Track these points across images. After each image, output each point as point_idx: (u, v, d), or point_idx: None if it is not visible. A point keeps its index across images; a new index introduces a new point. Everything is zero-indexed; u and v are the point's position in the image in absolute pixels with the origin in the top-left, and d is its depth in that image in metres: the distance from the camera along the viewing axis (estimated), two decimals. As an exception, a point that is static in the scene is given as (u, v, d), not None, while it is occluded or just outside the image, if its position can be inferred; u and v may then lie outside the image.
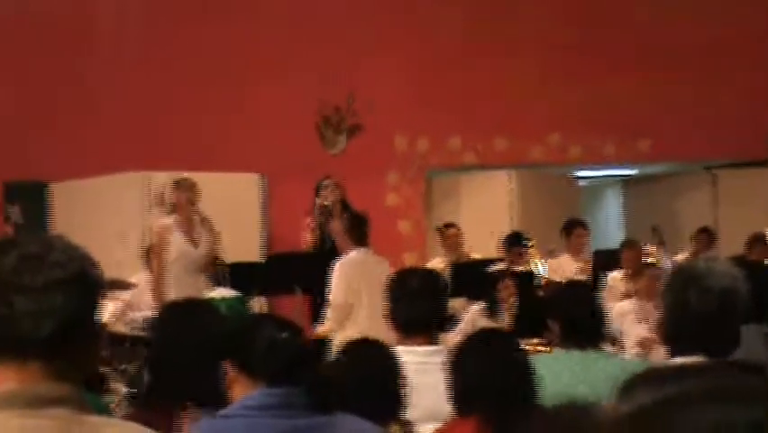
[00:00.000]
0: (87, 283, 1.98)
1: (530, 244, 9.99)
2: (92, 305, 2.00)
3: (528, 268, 9.75)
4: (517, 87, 12.68)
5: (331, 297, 8.30)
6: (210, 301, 4.55)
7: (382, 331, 7.06)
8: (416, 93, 12.50)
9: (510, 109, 12.67)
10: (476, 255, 10.81)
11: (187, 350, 3.53)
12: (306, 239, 9.96)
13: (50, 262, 1.93)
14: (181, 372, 3.51)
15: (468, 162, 12.85)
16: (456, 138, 12.78)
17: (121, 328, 9.28)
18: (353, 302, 8.27)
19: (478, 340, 3.76)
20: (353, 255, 8.46)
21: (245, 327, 3.38)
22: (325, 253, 9.72)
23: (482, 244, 10.91)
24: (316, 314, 9.73)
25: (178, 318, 3.77)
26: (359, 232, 8.65)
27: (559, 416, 1.09)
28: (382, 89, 12.44)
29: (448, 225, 11.26)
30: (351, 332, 7.69)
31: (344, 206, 10.04)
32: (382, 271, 8.53)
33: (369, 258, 8.57)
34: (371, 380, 3.70)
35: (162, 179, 10.27)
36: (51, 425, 1.87)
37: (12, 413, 1.87)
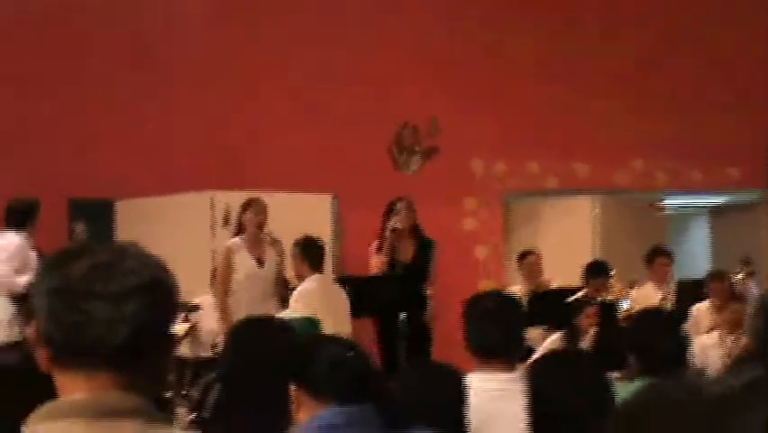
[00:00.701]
0: (162, 291, 2.00)
1: (612, 273, 9.94)
2: (167, 314, 2.02)
3: (611, 298, 9.69)
4: (601, 110, 12.63)
5: None
6: (284, 320, 4.58)
7: None
8: (494, 115, 12.50)
9: (593, 132, 12.63)
10: (555, 284, 10.77)
11: (261, 368, 3.56)
12: (373, 263, 9.97)
13: (123, 270, 1.95)
14: (253, 390, 3.54)
15: (548, 187, 12.82)
16: (536, 162, 12.75)
17: (185, 352, 9.36)
18: None
19: (556, 361, 3.75)
20: (312, 284, 8.47)
21: (308, 348, 3.40)
22: (396, 278, 9.74)
23: (562, 271, 10.85)
24: (385, 339, 9.76)
25: (254, 335, 3.80)
26: (315, 257, 8.67)
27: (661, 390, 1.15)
28: (459, 111, 12.46)
29: (526, 253, 11.23)
30: None
31: (415, 229, 10.03)
32: (342, 298, 8.53)
33: (327, 284, 8.57)
34: (438, 404, 3.71)
35: (230, 199, 10.37)
36: (120, 437, 1.88)
37: (80, 423, 1.89)
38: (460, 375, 3.95)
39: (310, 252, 8.71)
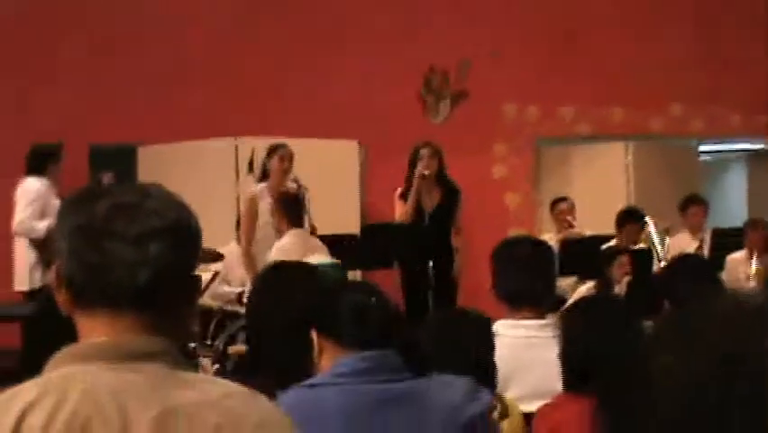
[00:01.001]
0: (185, 232, 1.99)
1: (647, 220, 9.90)
2: (190, 256, 2.02)
3: (645, 246, 9.66)
4: (636, 53, 12.54)
5: None
6: (314, 266, 4.58)
7: None
8: (525, 58, 12.43)
9: (628, 76, 12.54)
10: (588, 232, 10.75)
11: (286, 313, 3.56)
12: (397, 210, 9.95)
13: (146, 210, 1.95)
14: (278, 335, 3.55)
15: (581, 132, 12.76)
16: (569, 107, 12.69)
17: (210, 302, 9.38)
18: None
19: (589, 308, 3.74)
20: (291, 239, 8.45)
21: (329, 294, 3.39)
22: (423, 226, 9.73)
23: (595, 219, 10.83)
24: (410, 289, 9.76)
25: (281, 279, 3.80)
26: (294, 213, 8.64)
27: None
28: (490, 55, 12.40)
29: (558, 200, 11.21)
30: None
31: (441, 176, 9.99)
32: (322, 253, 8.51)
33: (307, 240, 8.55)
34: (464, 350, 3.72)
35: (255, 145, 10.35)
36: (144, 380, 1.89)
37: (102, 366, 1.89)
38: (487, 321, 3.96)
39: (289, 207, 8.68)
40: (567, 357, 3.66)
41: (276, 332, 3.59)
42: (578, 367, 3.60)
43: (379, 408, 3.03)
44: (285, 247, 8.39)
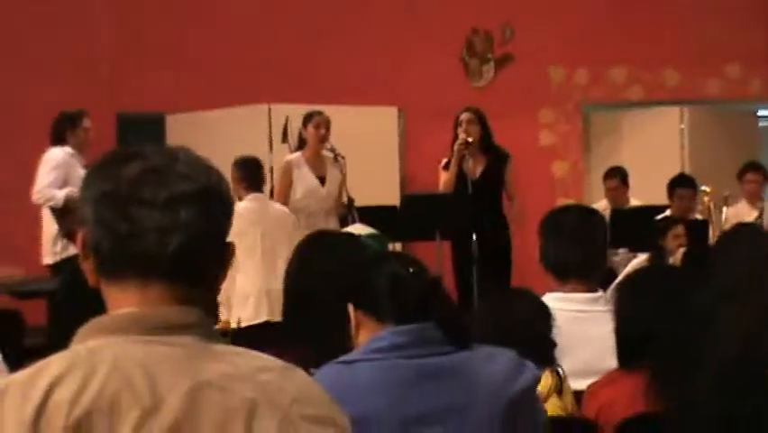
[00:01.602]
0: (216, 197, 1.99)
1: (705, 189, 9.83)
2: (222, 221, 2.01)
3: (702, 216, 9.61)
4: (691, 13, 12.44)
5: None
6: (354, 235, 4.57)
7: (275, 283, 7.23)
8: (574, 19, 12.35)
9: (683, 37, 12.44)
10: (638, 202, 10.72)
11: (323, 286, 3.54)
12: (441, 180, 9.89)
13: (176, 174, 1.95)
14: (315, 310, 3.54)
15: (632, 97, 12.67)
16: (620, 69, 12.60)
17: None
18: (243, 252, 8.27)
19: (643, 279, 3.71)
20: (247, 204, 8.44)
21: (365, 265, 3.34)
22: (467, 195, 9.67)
23: (648, 189, 10.77)
24: (457, 263, 9.72)
25: (321, 249, 3.79)
26: (253, 177, 8.62)
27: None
28: (536, 15, 12.32)
29: (609, 174, 11.13)
30: (240, 284, 8.15)
31: (486, 143, 9.91)
32: (281, 218, 8.50)
33: (266, 205, 8.54)
34: (520, 324, 3.71)
35: (289, 113, 10.35)
36: (176, 353, 1.89)
37: (132, 339, 1.89)
38: (545, 305, 3.93)
39: (247, 172, 8.66)
40: (621, 332, 3.64)
41: (312, 305, 3.59)
42: (632, 342, 3.57)
43: (419, 382, 3.00)
44: (240, 212, 8.40)
